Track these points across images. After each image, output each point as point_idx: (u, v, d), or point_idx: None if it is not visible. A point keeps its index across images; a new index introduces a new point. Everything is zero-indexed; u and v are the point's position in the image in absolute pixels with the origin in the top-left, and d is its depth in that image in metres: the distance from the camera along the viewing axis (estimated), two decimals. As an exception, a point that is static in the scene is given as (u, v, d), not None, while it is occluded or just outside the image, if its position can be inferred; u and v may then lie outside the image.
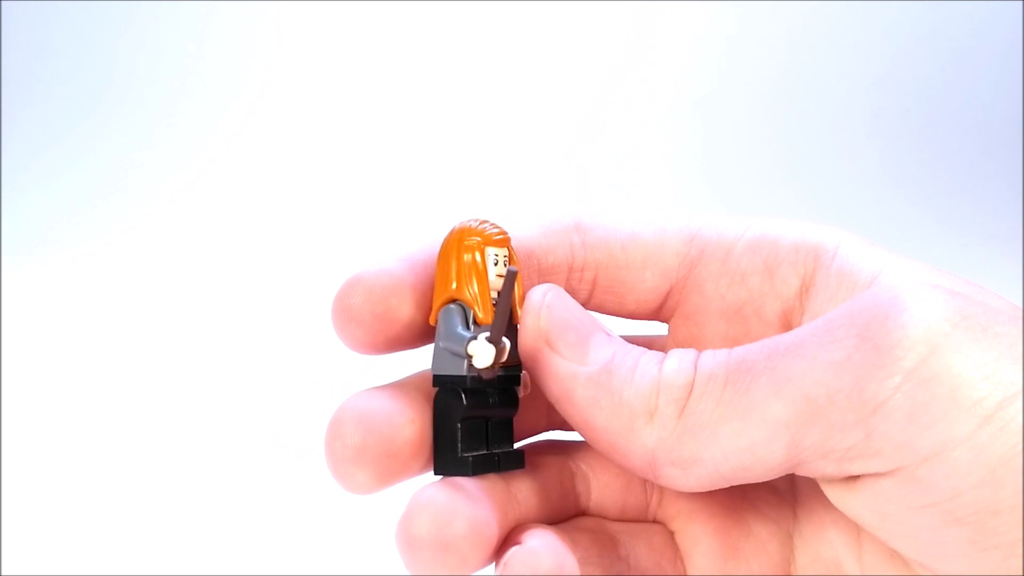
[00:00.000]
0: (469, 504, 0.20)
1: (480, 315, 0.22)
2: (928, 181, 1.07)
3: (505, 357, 0.21)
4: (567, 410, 0.21)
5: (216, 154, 1.01)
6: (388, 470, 0.21)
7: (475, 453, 0.22)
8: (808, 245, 0.23)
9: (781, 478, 0.25)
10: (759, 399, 0.19)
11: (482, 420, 0.23)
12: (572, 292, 0.25)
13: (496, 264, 0.22)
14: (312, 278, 0.77)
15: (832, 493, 0.20)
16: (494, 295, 0.22)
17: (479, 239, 0.22)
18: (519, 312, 0.22)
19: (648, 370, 0.21)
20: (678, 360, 0.20)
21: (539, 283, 0.24)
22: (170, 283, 0.81)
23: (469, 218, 0.23)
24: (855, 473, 0.19)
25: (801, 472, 0.20)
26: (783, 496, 0.25)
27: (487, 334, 0.21)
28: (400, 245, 0.23)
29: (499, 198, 0.97)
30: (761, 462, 0.19)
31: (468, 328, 0.22)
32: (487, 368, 0.21)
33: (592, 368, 0.21)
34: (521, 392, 0.23)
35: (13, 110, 1.02)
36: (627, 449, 0.20)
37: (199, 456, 0.53)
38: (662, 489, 0.25)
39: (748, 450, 0.19)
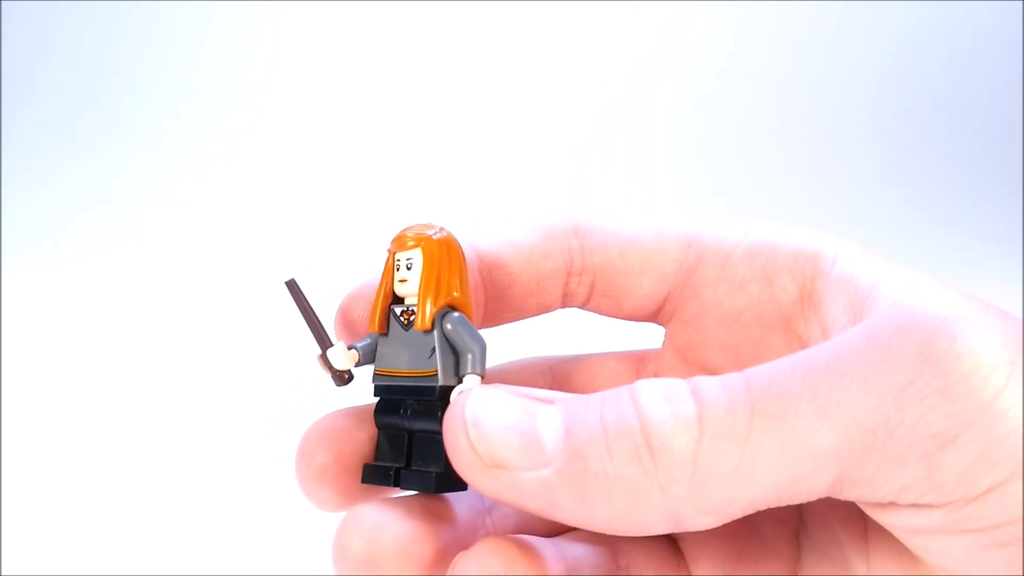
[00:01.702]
0: (399, 522, 0.20)
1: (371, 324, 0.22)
2: (928, 181, 1.07)
3: (331, 365, 0.21)
4: (558, 516, 0.18)
5: (217, 154, 1.01)
6: (352, 486, 0.22)
7: (380, 464, 0.22)
8: (807, 253, 0.23)
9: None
10: (801, 428, 0.16)
11: (401, 432, 0.22)
12: (570, 295, 0.25)
13: (399, 269, 0.22)
14: (312, 279, 0.77)
15: (867, 507, 0.19)
16: (411, 302, 0.22)
17: (391, 246, 0.22)
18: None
19: (624, 426, 0.17)
20: (665, 399, 0.17)
21: (538, 288, 0.24)
22: (169, 283, 0.81)
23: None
24: (903, 503, 0.17)
25: (842, 497, 0.18)
26: None
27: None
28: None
29: (498, 198, 0.97)
30: (802, 495, 0.17)
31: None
32: (334, 377, 0.22)
33: (558, 459, 0.17)
34: None
35: (13, 110, 1.02)
36: (645, 522, 0.17)
37: (198, 456, 0.53)
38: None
39: (790, 484, 0.17)
